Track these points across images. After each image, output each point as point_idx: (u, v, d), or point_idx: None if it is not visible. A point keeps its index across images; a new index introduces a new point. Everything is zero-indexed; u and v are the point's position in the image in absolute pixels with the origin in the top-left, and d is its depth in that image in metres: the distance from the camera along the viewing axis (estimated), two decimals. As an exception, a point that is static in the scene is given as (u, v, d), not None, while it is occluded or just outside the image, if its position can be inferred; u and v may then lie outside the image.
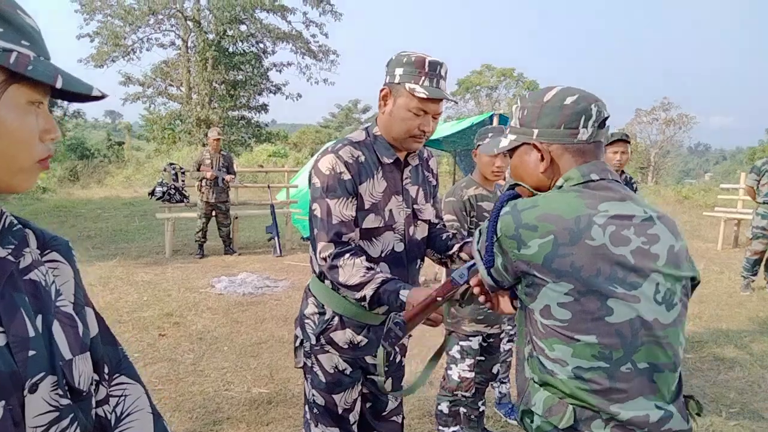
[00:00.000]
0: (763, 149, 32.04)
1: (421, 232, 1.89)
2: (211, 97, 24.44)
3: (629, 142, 4.02)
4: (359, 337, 1.80)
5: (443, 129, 9.66)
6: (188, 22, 23.94)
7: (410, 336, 2.05)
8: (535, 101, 1.20)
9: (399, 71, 1.66)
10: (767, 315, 5.40)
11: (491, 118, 8.48)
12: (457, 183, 2.82)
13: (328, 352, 1.80)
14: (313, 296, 1.85)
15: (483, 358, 2.80)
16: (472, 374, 2.67)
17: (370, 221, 1.73)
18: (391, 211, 1.77)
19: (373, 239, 1.75)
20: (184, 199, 7.80)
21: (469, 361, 2.65)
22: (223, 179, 7.47)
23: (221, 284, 6.03)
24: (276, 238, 7.77)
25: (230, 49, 24.86)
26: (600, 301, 1.06)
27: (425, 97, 1.63)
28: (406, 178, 1.83)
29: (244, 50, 25.36)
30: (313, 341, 1.81)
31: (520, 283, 1.17)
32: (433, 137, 9.59)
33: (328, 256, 1.65)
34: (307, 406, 1.86)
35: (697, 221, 12.18)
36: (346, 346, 1.80)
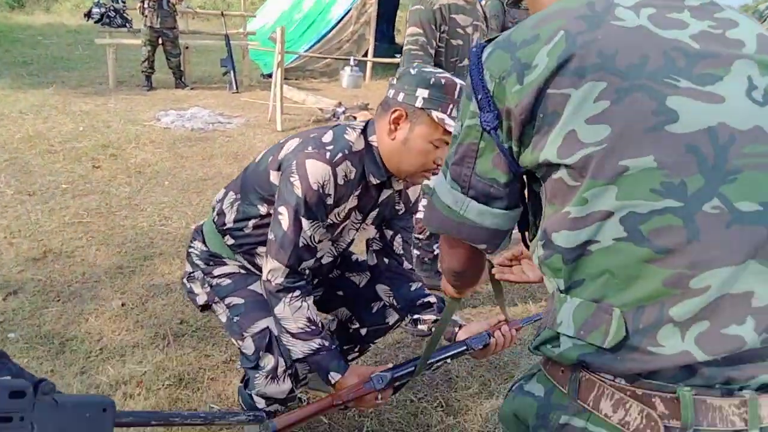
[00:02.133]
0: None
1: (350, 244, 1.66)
2: None
3: None
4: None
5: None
6: None
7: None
8: None
9: (423, 93, 1.31)
10: None
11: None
12: None
13: (225, 264, 1.58)
14: (204, 243, 1.61)
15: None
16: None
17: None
18: (344, 227, 1.51)
19: None
20: (126, 24, 6.92)
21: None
22: (169, 1, 6.56)
23: (168, 118, 5.50)
24: (232, 73, 7.09)
25: None
26: (654, 100, 0.64)
27: None
28: (380, 202, 1.54)
29: None
30: (203, 266, 1.58)
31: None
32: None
33: (277, 283, 1.38)
34: (229, 330, 1.54)
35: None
36: (243, 271, 1.58)
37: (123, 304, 2.40)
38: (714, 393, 0.65)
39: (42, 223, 3.10)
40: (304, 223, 1.35)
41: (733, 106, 0.65)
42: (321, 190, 1.34)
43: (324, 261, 1.57)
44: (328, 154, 1.35)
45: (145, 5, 6.56)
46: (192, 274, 1.61)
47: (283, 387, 1.44)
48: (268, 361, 1.43)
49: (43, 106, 5.64)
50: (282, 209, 1.36)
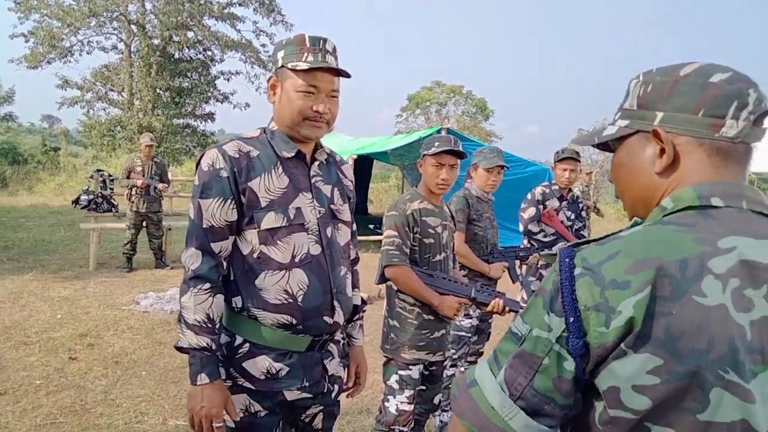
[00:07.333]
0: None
1: (343, 236, 1.67)
2: (154, 104, 23.46)
3: (579, 161, 3.92)
4: (278, 365, 1.52)
5: (392, 142, 9.50)
6: (132, 26, 23.00)
7: (346, 367, 1.79)
8: (668, 75, 0.83)
9: (281, 54, 1.52)
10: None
11: (439, 131, 8.38)
12: (400, 196, 2.59)
13: (237, 391, 1.52)
14: (222, 325, 1.57)
15: (424, 388, 2.54)
16: (411, 407, 2.41)
17: (270, 221, 1.49)
18: (299, 209, 1.54)
19: (279, 242, 1.50)
20: (113, 209, 7.25)
21: (408, 393, 2.39)
22: (156, 188, 6.98)
23: (147, 301, 5.55)
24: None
25: (176, 56, 24.02)
26: (699, 389, 0.69)
27: (307, 68, 1.46)
28: (315, 175, 1.62)
29: (190, 57, 24.56)
30: (223, 376, 1.52)
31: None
32: (381, 149, 9.41)
33: (191, 270, 1.47)
34: None
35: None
36: (262, 377, 1.51)
37: None
38: None
39: (12, 427, 2.98)
40: (203, 203, 1.46)
41: (760, 407, 0.69)
42: (211, 168, 1.47)
43: (312, 251, 1.54)
44: (214, 145, 1.54)
45: (133, 191, 6.95)
46: None
47: None
48: None
49: (22, 292, 5.66)
50: (189, 205, 1.51)
